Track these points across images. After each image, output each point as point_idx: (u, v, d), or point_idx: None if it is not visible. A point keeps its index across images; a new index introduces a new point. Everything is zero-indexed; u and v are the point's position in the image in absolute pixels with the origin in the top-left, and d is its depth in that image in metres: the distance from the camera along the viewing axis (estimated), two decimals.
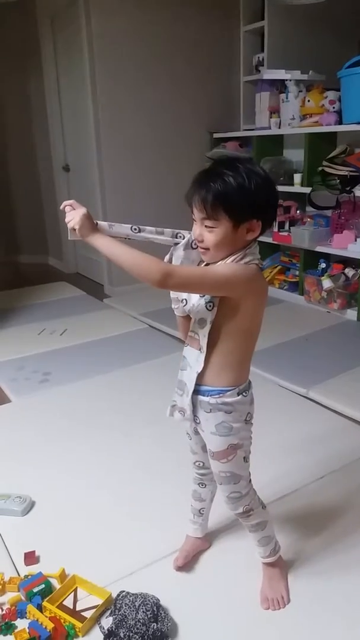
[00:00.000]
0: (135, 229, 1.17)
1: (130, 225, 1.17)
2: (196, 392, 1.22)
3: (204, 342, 1.17)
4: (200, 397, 1.22)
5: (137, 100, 4.05)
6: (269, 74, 3.90)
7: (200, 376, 1.20)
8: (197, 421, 1.26)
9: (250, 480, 1.31)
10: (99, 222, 1.17)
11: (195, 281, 1.10)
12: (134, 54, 3.96)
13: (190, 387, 1.21)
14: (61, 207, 1.19)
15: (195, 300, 1.17)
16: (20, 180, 5.47)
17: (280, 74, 3.81)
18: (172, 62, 4.12)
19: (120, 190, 4.14)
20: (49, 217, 5.42)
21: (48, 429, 2.25)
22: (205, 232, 1.12)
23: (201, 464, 1.40)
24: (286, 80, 3.78)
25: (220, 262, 1.14)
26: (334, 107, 3.47)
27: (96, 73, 3.88)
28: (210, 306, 1.14)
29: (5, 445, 2.14)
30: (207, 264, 1.18)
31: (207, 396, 1.21)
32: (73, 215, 1.15)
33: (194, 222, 1.15)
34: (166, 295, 1.24)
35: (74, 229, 1.15)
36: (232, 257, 1.12)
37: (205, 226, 1.11)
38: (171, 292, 1.20)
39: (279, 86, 3.90)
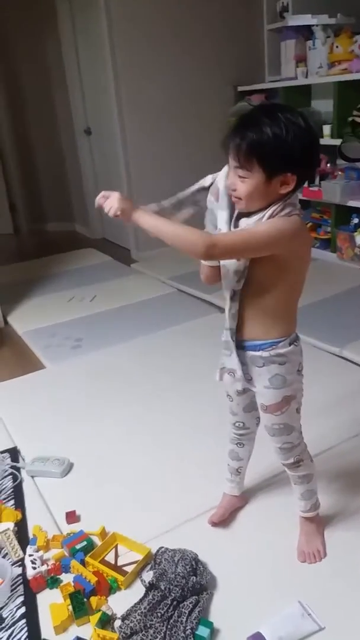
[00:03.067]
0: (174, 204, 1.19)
1: (169, 201, 1.19)
2: (247, 348, 1.22)
3: (237, 296, 1.17)
4: (252, 353, 1.22)
5: (158, 57, 3.92)
6: (294, 20, 3.71)
7: (250, 331, 1.20)
8: (249, 378, 1.26)
9: (301, 431, 1.32)
10: (146, 206, 1.17)
11: (240, 246, 1.08)
12: (152, 8, 3.81)
13: (233, 344, 1.20)
14: (96, 205, 1.17)
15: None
16: (42, 147, 5.43)
17: (306, 19, 3.62)
18: (191, 15, 3.95)
19: (143, 151, 4.07)
20: (73, 183, 5.39)
21: (82, 394, 2.30)
22: (238, 181, 1.08)
23: (241, 424, 1.41)
24: (313, 25, 3.59)
25: (256, 217, 1.10)
26: None
27: (114, 32, 3.76)
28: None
29: (42, 410, 2.20)
30: (238, 218, 1.14)
31: (259, 350, 1.21)
32: (110, 203, 1.12)
33: (229, 167, 1.12)
34: (193, 260, 1.22)
35: (118, 215, 1.12)
36: (272, 209, 1.08)
37: (239, 175, 1.08)
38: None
39: (305, 33, 3.71)
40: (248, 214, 1.13)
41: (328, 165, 3.70)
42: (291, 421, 1.28)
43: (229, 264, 1.15)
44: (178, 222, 1.09)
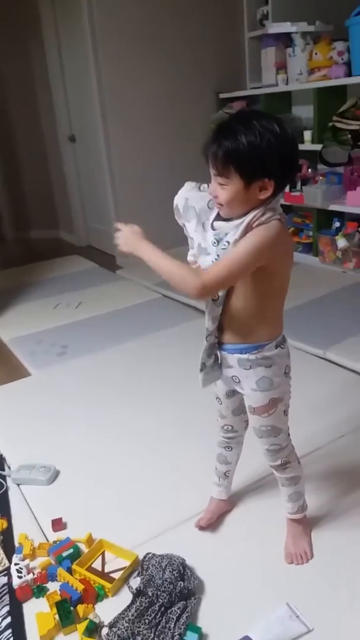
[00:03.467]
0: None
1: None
2: (233, 351, 1.23)
3: (220, 299, 1.18)
4: (239, 356, 1.22)
5: (141, 65, 3.95)
6: (274, 28, 3.76)
7: (236, 335, 1.21)
8: (237, 380, 1.27)
9: (289, 433, 1.33)
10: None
11: (227, 277, 1.09)
12: (135, 16, 3.83)
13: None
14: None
15: (208, 262, 1.14)
16: (27, 154, 5.42)
17: (285, 27, 3.67)
18: (174, 23, 3.99)
19: (127, 158, 4.08)
20: (58, 190, 5.38)
21: (68, 400, 2.29)
22: (219, 188, 1.10)
23: (229, 427, 1.41)
24: (292, 33, 3.63)
25: (235, 222, 1.10)
26: (342, 59, 3.34)
27: (97, 39, 3.77)
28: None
29: (28, 417, 2.18)
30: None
31: (246, 353, 1.21)
32: (118, 235, 1.20)
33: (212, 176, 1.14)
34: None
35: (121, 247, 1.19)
36: (252, 214, 1.09)
37: (218, 183, 1.10)
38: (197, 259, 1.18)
39: (285, 40, 3.76)
40: (228, 219, 1.14)
41: (309, 170, 3.74)
42: (278, 423, 1.29)
43: None
44: (175, 262, 1.11)
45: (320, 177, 3.66)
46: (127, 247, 1.18)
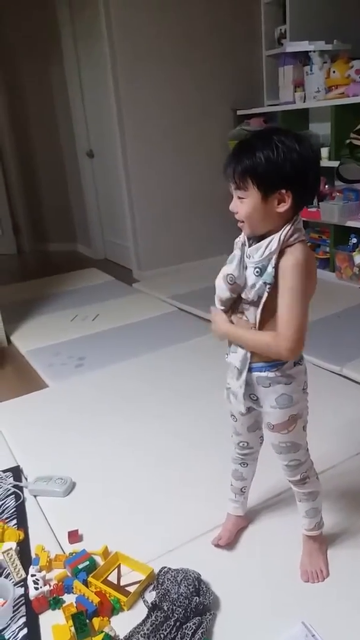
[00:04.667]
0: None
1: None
2: (253, 369, 1.24)
3: (256, 320, 1.19)
4: (258, 374, 1.23)
5: (159, 81, 4.01)
6: (292, 47, 3.80)
7: (256, 353, 1.22)
8: (254, 398, 1.28)
9: (307, 448, 1.34)
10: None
11: (301, 318, 1.13)
12: (153, 35, 3.91)
13: (244, 367, 1.23)
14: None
15: (252, 279, 1.15)
16: (46, 168, 5.52)
17: (303, 46, 3.71)
18: (192, 41, 4.05)
19: (145, 173, 4.13)
20: (76, 204, 5.46)
21: (85, 412, 2.31)
22: (238, 202, 1.14)
23: (245, 444, 1.42)
24: (310, 51, 3.67)
25: (265, 242, 1.12)
26: None
27: (116, 55, 3.85)
28: (269, 287, 1.13)
29: (45, 429, 2.21)
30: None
31: (265, 371, 1.22)
32: (213, 324, 1.28)
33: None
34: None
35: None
36: (282, 233, 1.11)
37: (238, 197, 1.13)
38: (236, 280, 1.18)
39: (303, 58, 3.80)
40: (259, 238, 1.15)
41: (326, 186, 3.76)
42: (298, 439, 1.30)
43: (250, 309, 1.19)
44: (253, 334, 1.19)
45: (338, 194, 3.67)
46: (219, 334, 1.26)
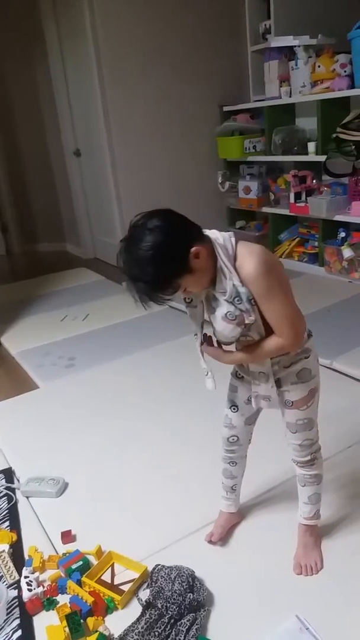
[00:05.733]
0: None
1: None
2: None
3: (261, 334, 1.19)
4: (280, 357, 1.24)
5: (145, 79, 4.00)
6: (277, 42, 3.80)
7: None
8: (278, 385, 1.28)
9: (317, 428, 1.35)
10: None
11: (288, 311, 1.15)
12: (138, 32, 3.90)
13: (270, 372, 1.24)
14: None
15: (242, 307, 1.14)
16: (33, 167, 5.49)
17: (288, 41, 3.71)
18: (177, 38, 4.05)
19: (132, 171, 4.12)
20: (64, 203, 5.44)
21: (76, 412, 2.30)
22: (183, 294, 1.17)
23: (235, 439, 1.41)
24: (295, 46, 3.68)
25: (224, 284, 1.12)
26: (345, 71, 3.38)
27: (101, 53, 3.84)
28: (254, 301, 1.13)
29: (37, 429, 2.19)
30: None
31: (285, 354, 1.23)
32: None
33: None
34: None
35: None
36: (221, 257, 1.11)
37: (182, 292, 1.15)
38: (221, 327, 1.19)
39: (288, 53, 3.80)
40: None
41: (314, 181, 3.77)
42: (313, 415, 1.31)
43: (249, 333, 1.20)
44: (255, 349, 1.19)
45: (325, 188, 3.68)
46: (228, 362, 1.26)
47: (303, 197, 3.72)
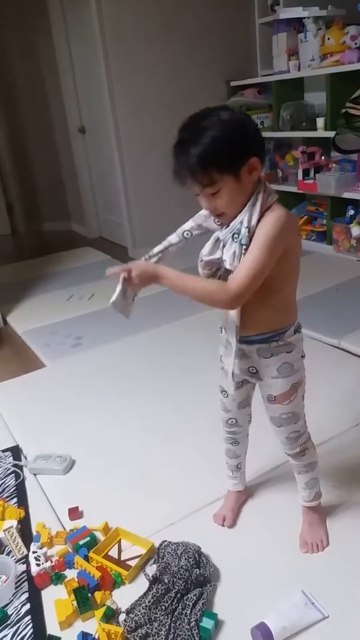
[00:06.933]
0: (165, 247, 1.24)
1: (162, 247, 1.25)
2: (254, 341, 1.22)
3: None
4: (258, 346, 1.22)
5: (150, 54, 3.92)
6: (285, 13, 3.70)
7: (257, 325, 1.19)
8: (253, 371, 1.26)
9: (305, 419, 1.34)
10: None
11: (254, 278, 1.07)
12: (143, 4, 3.80)
13: (233, 336, 1.20)
14: (108, 273, 1.17)
15: (230, 257, 1.11)
16: (37, 147, 5.42)
17: (297, 12, 3.61)
18: (183, 11, 3.95)
19: (137, 148, 4.06)
20: (69, 182, 5.38)
21: (83, 391, 2.30)
22: (212, 199, 1.08)
23: (234, 421, 1.41)
24: (304, 18, 3.57)
25: (240, 219, 1.09)
26: (356, 44, 3.28)
27: (106, 29, 3.75)
28: (245, 249, 1.09)
29: (43, 408, 2.20)
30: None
31: (267, 342, 1.21)
32: (133, 274, 1.13)
33: (197, 196, 1.11)
34: (190, 256, 1.24)
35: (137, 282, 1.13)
36: (258, 206, 1.07)
37: (211, 194, 1.08)
38: (203, 258, 1.18)
39: (297, 26, 3.70)
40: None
41: (322, 157, 3.70)
42: (298, 409, 1.30)
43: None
44: (198, 279, 1.11)
45: (334, 165, 3.61)
46: (144, 281, 1.13)
47: (311, 174, 3.66)
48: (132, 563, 1.38)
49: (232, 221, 1.11)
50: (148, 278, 1.13)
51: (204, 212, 1.18)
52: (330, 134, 3.40)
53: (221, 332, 1.29)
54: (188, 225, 1.23)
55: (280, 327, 1.21)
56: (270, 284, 1.13)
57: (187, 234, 1.22)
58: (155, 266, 1.16)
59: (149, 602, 1.23)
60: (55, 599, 1.29)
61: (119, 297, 1.16)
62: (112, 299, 1.16)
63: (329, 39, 3.42)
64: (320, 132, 3.55)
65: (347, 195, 3.43)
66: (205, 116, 1.05)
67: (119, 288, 1.15)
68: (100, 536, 1.48)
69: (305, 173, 3.67)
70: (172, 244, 1.24)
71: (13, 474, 1.79)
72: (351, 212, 3.50)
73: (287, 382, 1.24)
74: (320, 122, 3.54)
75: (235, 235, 1.10)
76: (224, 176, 1.05)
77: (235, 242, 1.09)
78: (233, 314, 1.17)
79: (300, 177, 3.69)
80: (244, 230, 1.08)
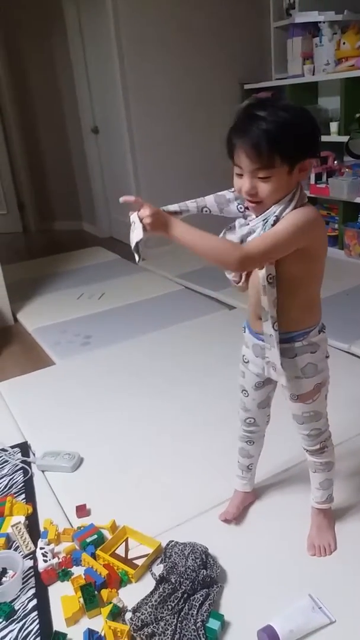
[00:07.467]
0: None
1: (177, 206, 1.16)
2: (279, 341, 1.19)
3: (267, 279, 1.13)
4: (284, 345, 1.20)
5: (164, 56, 3.93)
6: (301, 17, 3.70)
7: (283, 323, 1.18)
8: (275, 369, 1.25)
9: (327, 417, 1.33)
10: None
11: (271, 251, 1.05)
12: (158, 7, 3.82)
13: (276, 337, 1.17)
14: (122, 200, 1.12)
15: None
16: (50, 146, 5.46)
17: (313, 16, 3.61)
18: (198, 13, 3.96)
19: (151, 149, 4.08)
20: (81, 182, 5.41)
21: (92, 389, 2.31)
22: (259, 183, 1.05)
23: (252, 421, 1.41)
24: (319, 22, 3.58)
25: (273, 210, 1.07)
26: None
27: (121, 30, 3.77)
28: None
29: (53, 405, 2.21)
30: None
31: (291, 342, 1.20)
32: (145, 215, 1.06)
33: (238, 176, 1.08)
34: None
35: (149, 222, 1.07)
36: (292, 203, 1.07)
37: (259, 177, 1.04)
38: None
39: (312, 30, 3.70)
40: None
41: (335, 162, 3.70)
42: (320, 408, 1.29)
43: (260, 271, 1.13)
44: (210, 234, 1.05)
45: (347, 169, 3.61)
46: (155, 223, 1.06)
47: (324, 178, 3.66)
48: (139, 562, 1.38)
49: (263, 213, 1.09)
50: (160, 223, 1.06)
51: (228, 195, 1.15)
52: (344, 138, 3.40)
53: (244, 332, 1.29)
54: (209, 202, 1.17)
55: (306, 326, 1.20)
56: (297, 281, 1.14)
57: (206, 211, 1.17)
58: (167, 215, 1.10)
59: (155, 601, 1.23)
60: (62, 596, 1.30)
61: (143, 236, 1.07)
62: (137, 237, 1.08)
63: (344, 43, 3.42)
64: (334, 137, 3.54)
65: (359, 200, 3.42)
66: (277, 101, 1.04)
67: (139, 225, 1.07)
68: (107, 534, 1.49)
69: (318, 177, 3.67)
70: (188, 210, 1.16)
71: (21, 470, 1.80)
72: None
73: (311, 382, 1.24)
74: (333, 126, 3.54)
75: (265, 221, 1.08)
76: (283, 164, 1.02)
77: (264, 229, 1.08)
78: (266, 305, 1.14)
79: (312, 181, 3.69)
80: (273, 218, 1.07)
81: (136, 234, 1.07)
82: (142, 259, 1.11)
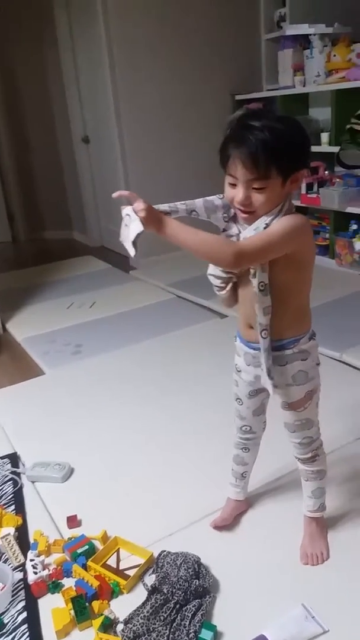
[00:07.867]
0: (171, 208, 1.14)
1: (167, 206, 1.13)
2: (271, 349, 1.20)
3: (258, 285, 1.12)
4: (274, 353, 1.20)
5: (156, 66, 3.96)
6: (292, 30, 3.75)
7: (275, 331, 1.18)
8: (270, 377, 1.24)
9: (319, 425, 1.33)
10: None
11: (265, 250, 1.06)
12: (150, 18, 3.85)
13: (268, 350, 1.18)
14: (115, 195, 1.12)
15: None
16: (40, 154, 5.45)
17: (303, 29, 3.66)
18: (189, 24, 3.99)
19: (141, 159, 4.09)
20: (72, 191, 5.41)
21: (82, 399, 2.29)
22: (254, 193, 1.05)
23: (248, 429, 1.40)
24: (310, 35, 3.62)
25: (262, 220, 1.08)
26: None
27: (112, 40, 3.79)
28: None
29: (42, 415, 2.19)
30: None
31: (282, 350, 1.20)
32: (139, 208, 1.05)
33: (231, 185, 1.08)
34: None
35: (143, 216, 1.04)
36: (282, 214, 1.07)
37: (254, 187, 1.05)
38: (212, 271, 1.19)
39: (303, 42, 3.75)
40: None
41: (326, 172, 3.73)
42: (312, 415, 1.29)
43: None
44: (202, 231, 1.04)
45: (338, 180, 3.64)
46: (148, 219, 1.04)
47: (315, 188, 3.68)
48: (131, 572, 1.36)
49: (254, 222, 1.10)
50: (154, 218, 1.05)
51: (216, 201, 1.14)
52: (335, 149, 3.43)
53: (236, 341, 1.29)
54: (198, 206, 1.14)
55: (296, 334, 1.20)
56: (288, 289, 1.15)
57: (195, 215, 1.16)
58: (160, 212, 1.08)
59: (147, 612, 1.21)
60: (53, 608, 1.27)
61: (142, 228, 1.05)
62: (137, 229, 1.05)
63: (335, 55, 3.47)
64: (325, 147, 3.58)
65: (350, 209, 3.45)
66: (270, 113, 1.06)
67: (136, 218, 1.05)
68: (98, 545, 1.47)
69: (309, 187, 3.69)
70: (177, 212, 1.12)
71: (11, 481, 1.77)
72: (354, 226, 3.52)
73: (302, 389, 1.24)
74: (324, 137, 3.58)
75: (256, 230, 1.09)
76: (278, 176, 1.03)
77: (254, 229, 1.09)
78: (260, 315, 1.15)
79: (303, 191, 3.71)
80: (263, 226, 1.08)
81: (135, 227, 1.05)
82: (134, 254, 1.10)
